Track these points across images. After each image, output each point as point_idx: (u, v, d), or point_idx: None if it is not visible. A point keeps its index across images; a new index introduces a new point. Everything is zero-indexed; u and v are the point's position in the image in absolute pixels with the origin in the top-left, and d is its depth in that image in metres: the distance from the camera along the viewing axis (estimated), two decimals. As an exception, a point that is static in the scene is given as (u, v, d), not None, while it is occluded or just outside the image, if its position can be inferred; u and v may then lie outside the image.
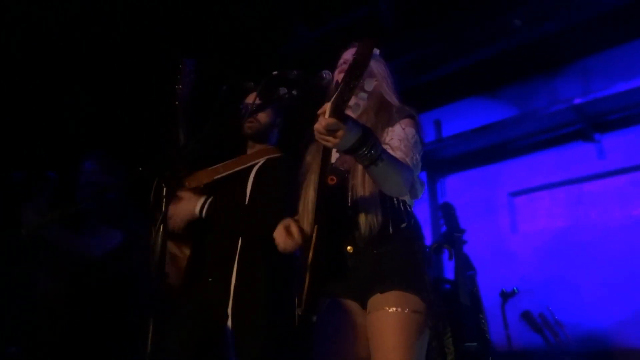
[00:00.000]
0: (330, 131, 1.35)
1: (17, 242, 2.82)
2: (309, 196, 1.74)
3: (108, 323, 2.49)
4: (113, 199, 2.72)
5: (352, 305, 1.67)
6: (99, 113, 3.93)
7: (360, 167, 1.65)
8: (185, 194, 2.13)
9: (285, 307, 2.08)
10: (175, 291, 2.12)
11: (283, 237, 1.70)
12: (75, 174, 2.76)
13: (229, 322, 2.02)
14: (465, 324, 3.01)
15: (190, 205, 2.10)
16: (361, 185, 1.65)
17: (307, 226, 1.70)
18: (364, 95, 1.39)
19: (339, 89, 1.33)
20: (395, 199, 1.68)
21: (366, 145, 1.40)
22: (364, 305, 1.65)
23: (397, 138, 1.66)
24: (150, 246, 1.55)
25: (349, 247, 1.66)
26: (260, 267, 2.09)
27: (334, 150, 1.80)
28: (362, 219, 1.62)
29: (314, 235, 1.63)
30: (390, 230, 1.64)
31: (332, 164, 1.76)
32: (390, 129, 1.70)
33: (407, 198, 1.73)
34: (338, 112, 1.32)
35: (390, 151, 1.58)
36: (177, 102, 2.08)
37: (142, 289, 2.62)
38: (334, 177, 1.69)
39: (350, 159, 1.71)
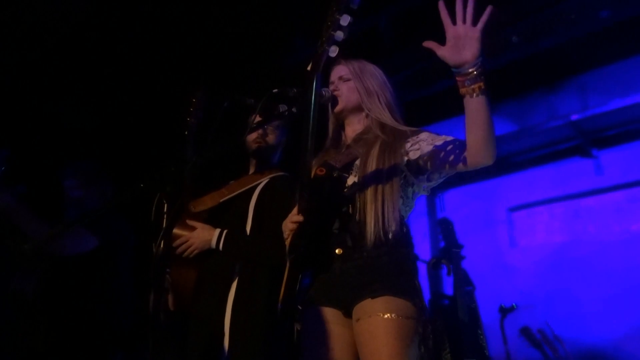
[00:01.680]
0: None
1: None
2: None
3: (82, 331, 2.46)
4: (97, 207, 2.71)
5: (333, 313, 1.64)
6: (103, 128, 3.95)
7: (370, 167, 1.65)
8: (196, 223, 2.15)
9: (283, 322, 2.08)
10: (181, 309, 2.13)
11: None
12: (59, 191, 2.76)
13: (226, 338, 2.01)
14: (464, 339, 3.01)
15: (206, 236, 2.13)
16: (365, 185, 1.64)
17: None
18: (340, 34, 1.43)
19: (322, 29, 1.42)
20: (392, 207, 1.65)
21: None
22: (348, 312, 1.62)
23: (422, 140, 1.68)
24: (153, 258, 1.56)
25: (337, 250, 1.63)
26: (261, 282, 2.09)
27: (334, 150, 1.83)
28: (369, 223, 1.59)
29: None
30: (384, 236, 1.61)
31: (327, 160, 1.77)
32: (412, 138, 1.71)
33: (402, 206, 1.71)
34: (318, 56, 1.44)
35: (430, 143, 1.64)
36: (186, 132, 2.09)
37: (119, 298, 2.62)
38: (323, 169, 1.68)
39: (345, 158, 1.73)
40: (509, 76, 3.85)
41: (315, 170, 1.70)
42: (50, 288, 2.54)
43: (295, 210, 1.62)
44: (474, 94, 1.49)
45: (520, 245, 4.41)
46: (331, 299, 1.63)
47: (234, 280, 2.10)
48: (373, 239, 1.58)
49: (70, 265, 2.50)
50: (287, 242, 1.60)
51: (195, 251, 2.13)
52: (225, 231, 2.13)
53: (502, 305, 3.33)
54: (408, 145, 1.70)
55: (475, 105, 1.51)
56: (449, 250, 3.28)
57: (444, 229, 3.39)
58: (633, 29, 3.42)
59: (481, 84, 1.47)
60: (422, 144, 1.68)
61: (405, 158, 1.69)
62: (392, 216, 1.61)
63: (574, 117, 4.00)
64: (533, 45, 3.53)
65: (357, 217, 1.63)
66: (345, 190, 1.68)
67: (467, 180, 4.69)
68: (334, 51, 1.45)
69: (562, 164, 4.30)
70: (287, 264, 1.58)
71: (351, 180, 1.70)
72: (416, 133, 1.74)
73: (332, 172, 1.67)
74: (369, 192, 1.63)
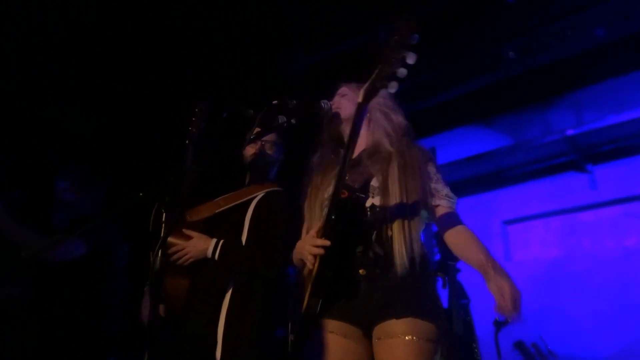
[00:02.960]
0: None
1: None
2: (314, 211, 1.76)
3: (72, 336, 2.45)
4: (88, 213, 2.70)
5: (352, 330, 1.64)
6: (101, 134, 3.95)
7: (392, 191, 1.66)
8: (192, 233, 2.16)
9: (278, 333, 2.09)
10: (174, 317, 2.12)
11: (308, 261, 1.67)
12: (50, 193, 2.74)
13: (218, 348, 2.01)
14: (459, 352, 3.00)
15: (202, 246, 2.13)
16: (391, 209, 1.64)
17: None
18: (404, 71, 1.41)
19: (376, 71, 1.44)
20: (418, 233, 1.68)
21: None
22: (368, 332, 1.62)
23: (441, 187, 1.76)
24: (150, 268, 1.57)
25: (361, 270, 1.63)
26: (255, 293, 2.09)
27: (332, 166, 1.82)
28: (397, 250, 1.60)
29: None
30: (411, 261, 1.62)
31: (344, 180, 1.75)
32: (432, 180, 1.76)
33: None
34: (373, 88, 1.43)
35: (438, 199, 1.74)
36: (187, 142, 2.09)
37: (110, 303, 2.61)
38: (345, 192, 1.66)
39: (361, 177, 1.73)
40: (506, 91, 3.89)
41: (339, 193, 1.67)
42: (40, 294, 2.53)
43: (313, 232, 1.62)
44: None
45: (515, 259, 4.42)
46: (353, 317, 1.64)
47: (228, 290, 2.10)
48: (401, 264, 1.59)
49: (60, 271, 2.48)
50: (314, 267, 1.58)
51: (191, 260, 2.13)
52: (221, 241, 2.14)
53: (497, 318, 3.32)
54: (432, 185, 1.75)
55: None
56: (444, 262, 3.28)
57: (440, 241, 3.39)
58: (628, 46, 3.47)
59: None
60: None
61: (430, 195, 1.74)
62: (419, 242, 1.64)
63: (570, 132, 4.03)
64: (530, 61, 3.58)
65: (381, 240, 1.64)
66: (367, 212, 1.68)
67: (463, 193, 4.71)
68: (393, 87, 1.44)
69: (557, 179, 4.33)
70: (309, 287, 1.58)
71: (370, 202, 1.70)
72: (425, 162, 1.77)
73: (352, 194, 1.67)
74: (396, 219, 1.63)
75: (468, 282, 3.33)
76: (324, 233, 1.56)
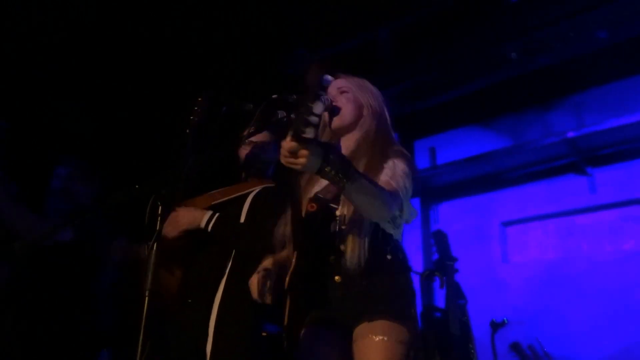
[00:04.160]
0: (293, 153, 1.40)
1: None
2: (288, 223, 1.77)
3: (60, 329, 2.44)
4: (83, 204, 2.70)
5: (332, 335, 1.66)
6: (100, 132, 3.96)
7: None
8: (186, 208, 2.14)
9: (271, 329, 2.09)
10: (166, 312, 2.12)
11: (255, 288, 1.70)
12: (49, 178, 2.74)
13: (209, 344, 2.01)
14: (455, 353, 3.00)
15: (194, 215, 2.11)
16: (349, 215, 1.66)
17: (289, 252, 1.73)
18: (314, 118, 1.42)
19: (297, 114, 1.42)
20: (382, 232, 1.68)
21: (331, 162, 1.42)
22: (347, 336, 1.64)
23: (387, 168, 1.68)
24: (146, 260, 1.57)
25: (336, 277, 1.65)
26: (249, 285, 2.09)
27: (318, 180, 1.79)
28: (349, 250, 1.62)
29: (293, 261, 1.66)
30: (379, 262, 1.64)
31: (316, 192, 1.76)
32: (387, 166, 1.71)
33: (393, 231, 1.72)
34: (297, 134, 1.39)
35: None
36: (188, 131, 2.08)
37: (101, 298, 2.60)
38: (314, 205, 1.70)
39: (335, 188, 1.70)
40: (506, 92, 3.90)
41: (306, 205, 1.72)
42: (30, 288, 2.50)
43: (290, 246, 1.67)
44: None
45: (513, 261, 4.41)
46: (332, 321, 1.66)
47: (221, 284, 2.09)
48: (361, 271, 1.60)
49: (51, 265, 2.48)
50: (286, 280, 1.63)
51: (183, 227, 2.10)
52: (217, 214, 2.12)
53: (493, 319, 3.32)
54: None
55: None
56: (442, 262, 3.27)
57: (438, 241, 3.39)
58: (630, 50, 3.47)
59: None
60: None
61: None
62: (372, 244, 1.63)
63: (570, 134, 4.02)
64: (531, 62, 3.58)
65: (346, 247, 1.65)
66: (335, 222, 1.69)
67: (462, 194, 4.71)
68: (310, 133, 1.43)
69: (556, 181, 4.31)
70: (288, 299, 1.62)
71: (339, 211, 1.70)
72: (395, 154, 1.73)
73: (324, 206, 1.69)
74: (351, 228, 1.64)
75: (465, 282, 3.33)
76: (293, 247, 1.62)
